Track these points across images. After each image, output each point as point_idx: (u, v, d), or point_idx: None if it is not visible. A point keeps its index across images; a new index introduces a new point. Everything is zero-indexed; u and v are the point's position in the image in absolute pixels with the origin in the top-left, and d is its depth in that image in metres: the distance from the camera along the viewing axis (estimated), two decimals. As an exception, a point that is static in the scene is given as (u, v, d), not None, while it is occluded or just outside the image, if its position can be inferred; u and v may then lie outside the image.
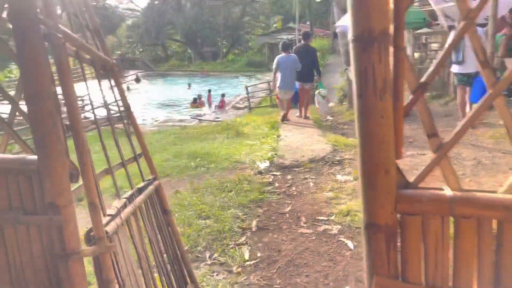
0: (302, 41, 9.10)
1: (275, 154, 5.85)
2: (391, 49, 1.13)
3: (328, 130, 7.87)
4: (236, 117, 13.73)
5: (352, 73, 1.18)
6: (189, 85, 26.31)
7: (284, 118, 8.80)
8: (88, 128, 11.40)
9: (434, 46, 12.39)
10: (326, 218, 3.75)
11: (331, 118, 9.57)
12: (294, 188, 4.60)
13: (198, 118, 16.30)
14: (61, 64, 1.35)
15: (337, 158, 5.37)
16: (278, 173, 5.15)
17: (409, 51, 18.33)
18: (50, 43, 1.32)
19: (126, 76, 31.60)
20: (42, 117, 1.29)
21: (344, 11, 10.93)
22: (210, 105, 19.91)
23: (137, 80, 29.70)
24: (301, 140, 6.69)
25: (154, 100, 23.61)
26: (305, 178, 4.87)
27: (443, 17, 10.65)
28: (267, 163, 5.57)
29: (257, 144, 7.04)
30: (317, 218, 3.78)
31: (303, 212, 3.94)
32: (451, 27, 8.11)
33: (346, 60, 10.97)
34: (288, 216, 3.90)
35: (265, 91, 18.53)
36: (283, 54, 8.49)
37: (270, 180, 4.92)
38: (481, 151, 5.16)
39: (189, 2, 42.48)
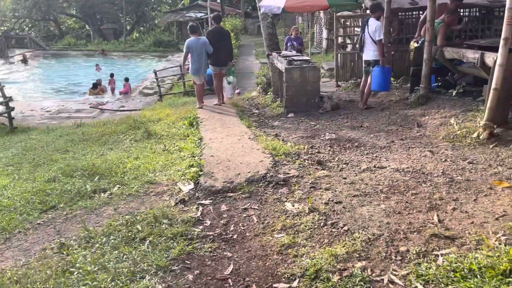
0: (214, 24, 8.49)
1: (201, 170, 4.56)
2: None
3: (258, 128, 6.74)
4: (145, 108, 12.02)
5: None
6: (97, 65, 23.15)
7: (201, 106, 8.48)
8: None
9: (357, 30, 11.86)
10: (286, 286, 2.62)
11: (257, 111, 8.46)
12: (232, 228, 3.39)
13: (99, 107, 14.16)
14: None
15: (281, 175, 4.26)
16: (207, 202, 3.89)
17: (325, 34, 17.92)
18: None
19: (12, 57, 27.29)
20: None
21: (265, -11, 9.75)
22: (113, 91, 17.63)
23: (24, 61, 25.70)
24: (230, 146, 5.47)
25: (46, 85, 20.51)
26: (245, 210, 3.68)
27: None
28: (191, 185, 4.27)
29: (174, 151, 5.68)
30: (273, 286, 2.63)
31: (251, 275, 2.76)
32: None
33: (269, 44, 9.88)
34: (231, 283, 2.69)
35: (176, 75, 16.81)
36: (192, 38, 8.08)
37: (198, 214, 3.64)
38: (444, 160, 4.42)
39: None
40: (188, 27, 8.35)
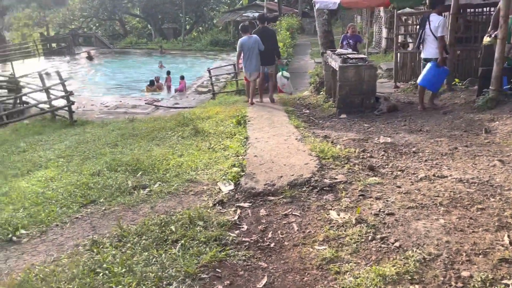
0: (259, 24, 8.81)
1: (243, 171, 4.34)
2: None
3: (307, 128, 6.42)
4: (196, 106, 12.08)
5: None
6: (161, 62, 23.69)
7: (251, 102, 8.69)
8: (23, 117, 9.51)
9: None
10: (325, 307, 2.32)
11: (307, 111, 8.13)
12: (270, 235, 3.13)
13: (155, 104, 14.47)
14: None
15: (327, 180, 3.93)
16: (246, 205, 3.66)
17: (384, 33, 17.13)
18: None
19: (78, 54, 28.85)
20: None
21: (322, -16, 9.38)
22: (169, 88, 17.99)
23: (89, 58, 27.05)
24: (275, 146, 5.21)
25: (107, 81, 21.41)
26: (286, 216, 3.41)
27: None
28: (231, 186, 4.07)
29: (219, 150, 5.52)
30: (311, 305, 2.34)
31: (287, 291, 2.49)
32: None
33: (324, 42, 9.50)
34: (264, 299, 2.43)
35: (230, 74, 16.85)
36: (244, 36, 8.35)
37: (236, 217, 3.42)
38: (518, 172, 3.87)
39: (148, -26, 39.46)
40: (239, 27, 8.76)
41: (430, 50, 6.74)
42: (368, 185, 3.81)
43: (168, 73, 18.72)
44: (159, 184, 4.34)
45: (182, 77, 17.48)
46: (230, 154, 5.21)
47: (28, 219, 3.64)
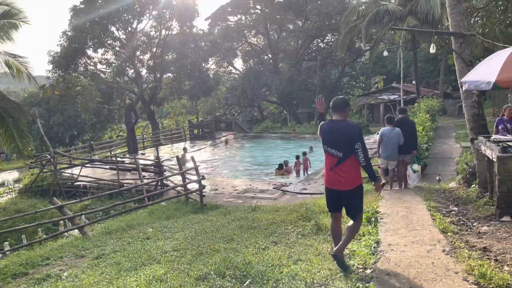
0: (399, 116, 9.29)
1: (369, 297, 3.37)
2: None
3: (457, 234, 5.11)
4: (323, 193, 11.31)
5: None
6: (311, 148, 23.25)
7: (384, 185, 8.52)
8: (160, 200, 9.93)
9: None
10: None
11: (455, 208, 6.71)
12: None
13: (282, 189, 14.15)
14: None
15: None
16: None
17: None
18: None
19: (218, 138, 31.18)
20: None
21: (469, 64, 8.27)
22: (298, 173, 17.70)
23: (226, 142, 28.93)
24: (415, 260, 4.10)
25: (241, 165, 22.24)
26: None
27: None
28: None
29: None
30: None
31: None
32: None
33: (474, 126, 8.14)
34: None
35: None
36: (387, 127, 8.78)
37: None
38: None
39: (286, 64, 42.24)
40: (385, 117, 9.16)
41: None
42: None
43: (297, 157, 18.57)
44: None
45: (297, 157, 17.86)
46: (355, 264, 4.27)
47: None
